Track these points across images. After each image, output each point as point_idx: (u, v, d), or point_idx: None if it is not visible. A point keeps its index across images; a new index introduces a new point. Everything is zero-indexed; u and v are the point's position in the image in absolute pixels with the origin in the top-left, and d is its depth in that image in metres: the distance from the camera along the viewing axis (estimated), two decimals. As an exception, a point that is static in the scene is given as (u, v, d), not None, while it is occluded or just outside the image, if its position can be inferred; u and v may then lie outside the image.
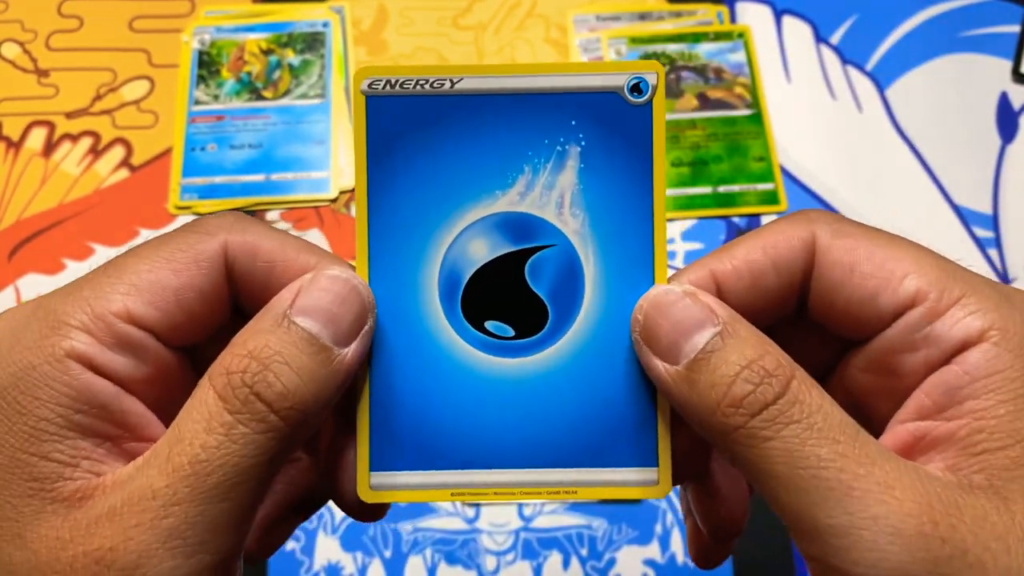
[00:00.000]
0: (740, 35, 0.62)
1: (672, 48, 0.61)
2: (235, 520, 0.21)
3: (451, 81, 0.24)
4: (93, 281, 0.22)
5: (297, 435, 0.22)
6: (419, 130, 0.25)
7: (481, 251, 0.25)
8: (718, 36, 0.62)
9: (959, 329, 0.22)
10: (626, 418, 0.25)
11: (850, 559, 0.19)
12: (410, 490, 0.25)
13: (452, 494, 0.25)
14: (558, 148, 0.25)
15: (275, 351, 0.21)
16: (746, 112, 0.60)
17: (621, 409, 0.25)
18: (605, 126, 0.24)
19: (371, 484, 0.25)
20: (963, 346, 0.22)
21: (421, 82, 0.24)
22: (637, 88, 0.24)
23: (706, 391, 0.21)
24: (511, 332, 0.25)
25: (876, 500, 0.20)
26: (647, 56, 0.61)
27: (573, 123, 0.24)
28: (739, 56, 0.61)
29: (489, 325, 0.25)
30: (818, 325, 0.25)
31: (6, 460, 0.21)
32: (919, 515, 0.19)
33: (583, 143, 0.25)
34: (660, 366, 0.23)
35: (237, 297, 0.24)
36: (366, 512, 0.26)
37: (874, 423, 0.24)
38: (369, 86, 0.24)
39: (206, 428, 0.21)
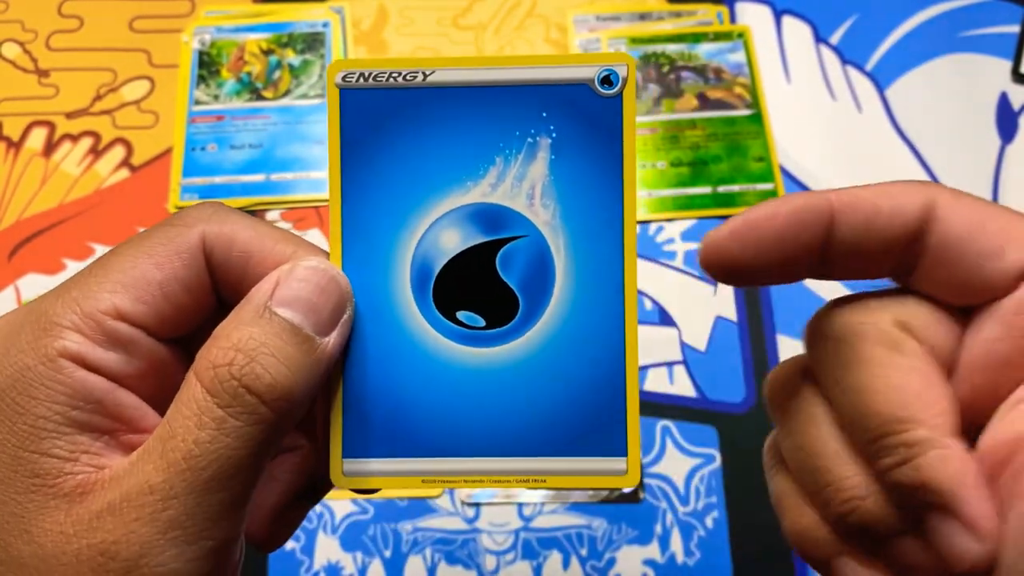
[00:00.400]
0: (740, 35, 0.62)
1: (672, 48, 0.62)
2: (231, 508, 0.21)
3: (423, 73, 0.25)
4: (81, 282, 0.23)
5: (285, 424, 0.22)
6: (392, 122, 0.25)
7: (453, 241, 0.25)
8: (718, 36, 0.62)
9: None
10: (595, 408, 0.25)
11: None
12: (381, 476, 0.25)
13: (423, 481, 0.25)
14: (529, 140, 0.25)
15: (260, 342, 0.22)
16: (746, 112, 0.60)
17: (590, 399, 0.25)
18: (576, 118, 0.25)
19: (344, 470, 0.25)
20: None
21: (394, 75, 0.25)
22: (607, 80, 0.25)
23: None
24: (482, 322, 0.25)
25: None
26: (647, 56, 0.61)
27: (544, 115, 0.25)
28: (739, 56, 0.61)
29: (460, 315, 0.25)
30: (928, 296, 0.23)
31: (8, 459, 0.21)
32: None
33: (554, 135, 0.25)
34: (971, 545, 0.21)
35: (217, 288, 0.25)
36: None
37: (1011, 392, 0.22)
38: (343, 79, 0.25)
39: (198, 423, 0.21)
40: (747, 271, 0.23)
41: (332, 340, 0.23)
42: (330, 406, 0.25)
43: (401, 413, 0.25)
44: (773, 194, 0.57)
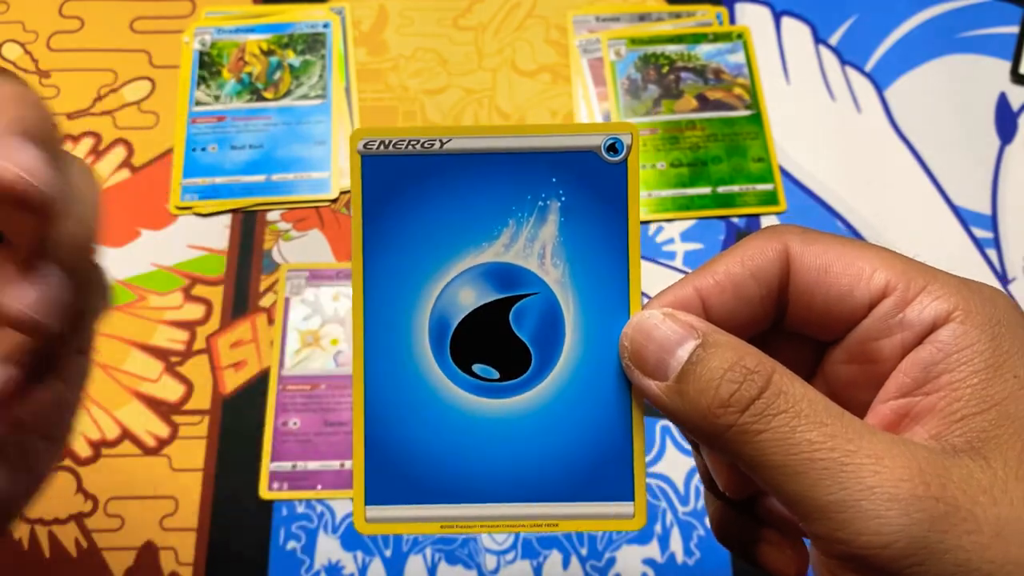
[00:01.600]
0: (739, 36, 0.62)
1: (671, 49, 0.62)
2: None
3: (440, 141, 0.26)
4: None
5: None
6: (411, 186, 0.26)
7: (469, 298, 0.27)
8: (717, 37, 0.62)
9: (928, 312, 0.24)
10: (604, 456, 0.27)
11: (854, 530, 0.21)
12: (403, 523, 0.27)
13: (442, 527, 0.27)
14: (540, 203, 0.26)
15: None
16: (745, 113, 0.60)
17: (599, 447, 0.27)
18: (583, 183, 0.26)
19: (367, 517, 0.27)
20: (933, 327, 0.24)
21: (412, 142, 0.26)
22: (613, 148, 0.26)
23: (696, 398, 0.23)
24: (496, 375, 0.27)
25: (869, 472, 0.21)
26: (646, 57, 0.61)
27: (554, 180, 0.26)
28: (738, 57, 0.61)
29: (476, 368, 0.27)
30: (796, 335, 0.27)
31: None
32: (911, 479, 0.21)
33: (563, 198, 0.26)
34: (651, 384, 0.25)
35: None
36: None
37: (856, 412, 0.25)
38: (364, 146, 0.26)
39: None
40: None
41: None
42: (352, 456, 0.27)
43: (421, 462, 0.27)
44: (772, 194, 0.58)
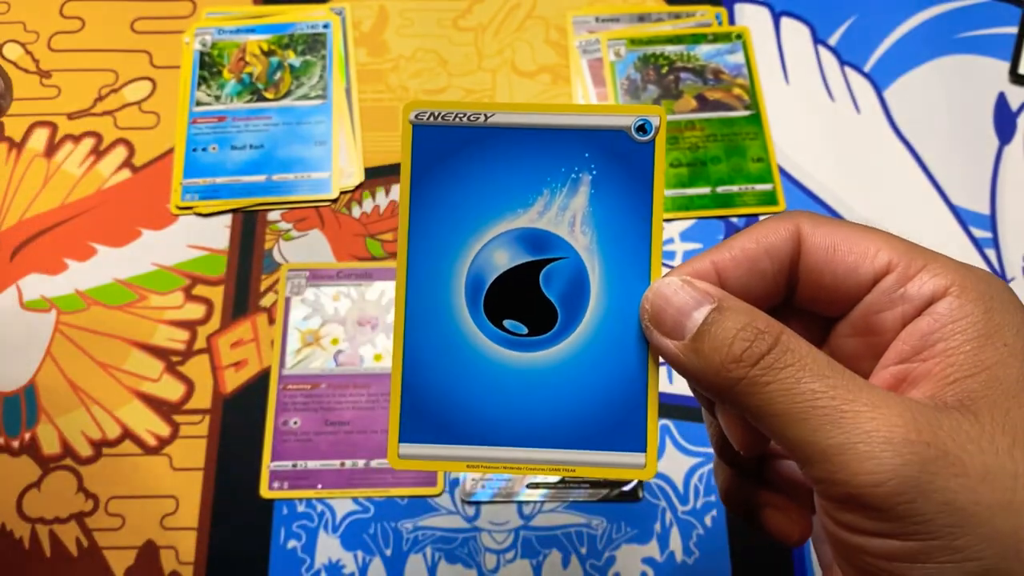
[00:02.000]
0: (739, 36, 0.62)
1: (671, 49, 0.62)
2: None
3: (485, 115, 0.29)
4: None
5: None
6: (456, 155, 0.29)
7: (503, 259, 0.29)
8: (717, 37, 0.62)
9: (927, 287, 0.26)
10: (620, 409, 0.29)
11: (851, 470, 0.23)
12: (432, 460, 0.29)
13: (468, 466, 0.29)
14: (572, 176, 0.29)
15: None
16: (744, 113, 0.60)
17: (616, 401, 0.29)
18: (614, 159, 0.29)
19: (399, 453, 0.29)
20: (931, 300, 0.26)
21: (460, 115, 0.29)
22: (642, 128, 0.28)
23: (710, 355, 0.25)
24: (525, 330, 0.29)
25: (866, 418, 0.23)
26: (646, 58, 0.61)
27: (586, 155, 0.29)
28: (738, 57, 0.62)
29: (507, 323, 0.29)
30: (806, 312, 0.29)
31: None
32: (905, 426, 0.23)
33: (594, 172, 0.29)
34: (669, 344, 0.27)
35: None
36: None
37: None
38: (416, 116, 0.29)
39: None
40: None
41: None
42: (390, 397, 0.29)
43: (451, 406, 0.29)
44: (772, 194, 0.58)
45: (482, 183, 0.29)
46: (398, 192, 0.29)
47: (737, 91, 0.61)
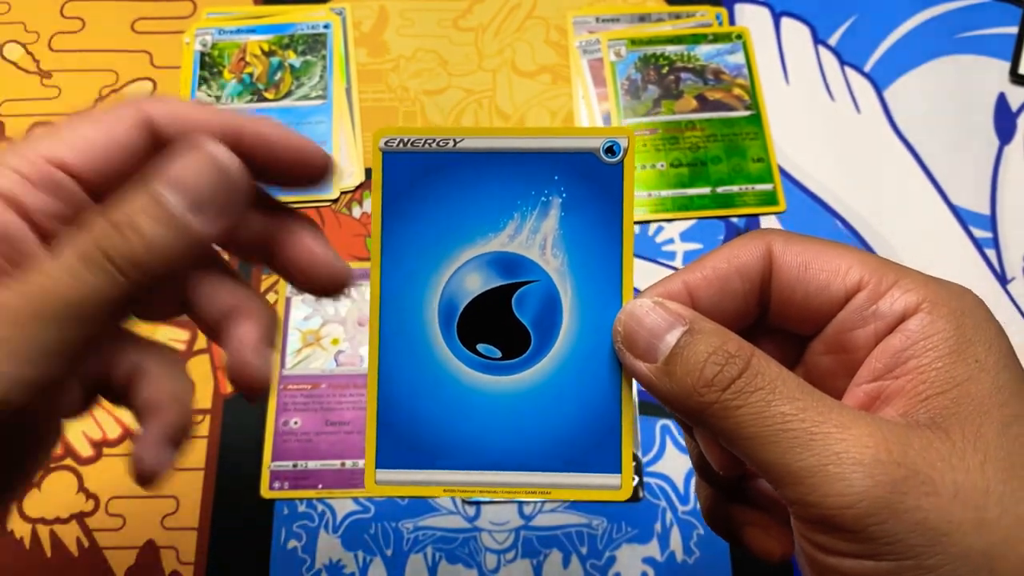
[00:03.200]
0: (739, 36, 0.62)
1: (671, 50, 0.62)
2: (63, 347, 0.24)
3: (454, 140, 0.29)
4: (33, 138, 0.26)
5: (139, 290, 0.24)
6: (426, 180, 0.29)
7: (475, 284, 0.29)
8: (717, 38, 0.62)
9: (898, 304, 0.26)
10: (594, 430, 0.29)
11: (822, 492, 0.23)
12: (408, 485, 0.29)
13: (444, 490, 0.29)
14: (543, 199, 0.29)
15: (129, 219, 0.24)
16: (745, 113, 0.60)
17: (590, 423, 0.29)
18: (583, 181, 0.29)
19: (376, 479, 0.29)
20: (903, 317, 0.26)
21: (429, 141, 0.29)
22: (611, 150, 0.29)
23: (682, 379, 0.25)
24: (499, 353, 0.29)
25: (836, 440, 0.23)
26: (646, 58, 0.61)
27: (556, 178, 0.29)
28: (738, 57, 0.62)
29: (480, 347, 0.29)
30: (779, 332, 0.29)
31: None
32: (875, 446, 0.23)
33: (564, 195, 0.29)
34: (642, 366, 0.27)
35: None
36: (254, 391, 0.28)
37: (834, 398, 0.27)
38: (385, 143, 0.29)
39: (63, 269, 0.23)
40: None
41: (206, 224, 0.25)
42: (365, 423, 0.29)
43: (427, 431, 0.29)
44: (772, 194, 0.58)
45: (453, 208, 0.29)
46: (371, 219, 0.29)
47: (737, 91, 0.61)
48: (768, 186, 0.58)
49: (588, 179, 0.29)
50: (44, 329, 0.23)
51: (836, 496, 0.23)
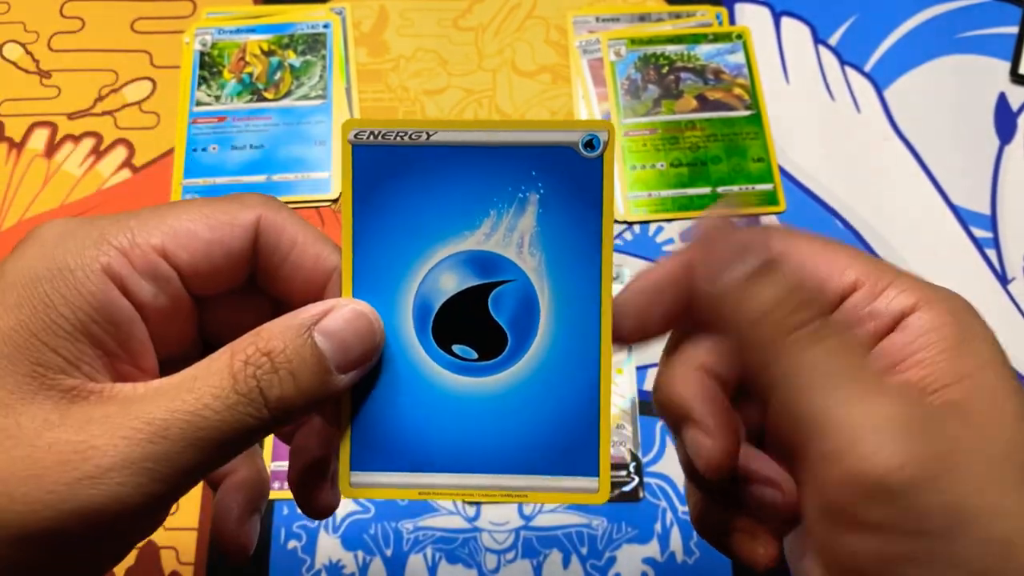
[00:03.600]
0: (739, 36, 0.62)
1: (671, 49, 0.62)
2: (200, 470, 0.25)
3: (427, 133, 0.28)
4: (140, 216, 0.26)
5: (277, 426, 0.26)
6: (398, 175, 0.28)
7: (450, 283, 0.28)
8: (717, 37, 0.62)
9: (896, 303, 0.26)
10: (572, 433, 0.28)
11: (875, 446, 0.23)
12: (384, 488, 0.29)
13: (419, 493, 0.29)
14: (520, 195, 0.28)
15: (287, 359, 0.25)
16: (745, 113, 0.60)
17: (568, 425, 0.28)
18: (561, 176, 0.28)
19: (351, 482, 0.29)
20: (902, 316, 0.26)
21: (400, 134, 0.28)
22: (590, 144, 0.28)
23: (766, 300, 0.25)
24: (475, 355, 0.29)
25: (897, 402, 0.24)
26: (646, 58, 0.61)
27: (533, 173, 0.28)
28: (738, 57, 0.62)
29: (456, 348, 0.29)
30: None
31: (22, 341, 0.24)
32: (922, 420, 0.23)
33: (541, 191, 0.28)
34: (716, 280, 0.26)
35: (256, 266, 0.28)
36: (236, 558, 0.30)
37: None
38: (355, 136, 0.28)
39: (213, 394, 0.24)
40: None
41: (347, 379, 0.26)
42: (340, 425, 0.28)
43: (402, 433, 0.29)
44: (772, 194, 0.58)
45: (427, 204, 0.28)
46: (341, 215, 0.28)
47: (738, 91, 0.61)
48: (768, 186, 0.58)
49: (567, 174, 0.28)
50: (188, 453, 0.24)
51: (888, 454, 0.23)
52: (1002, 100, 0.61)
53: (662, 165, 0.58)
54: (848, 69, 0.62)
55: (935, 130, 0.60)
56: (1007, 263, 0.57)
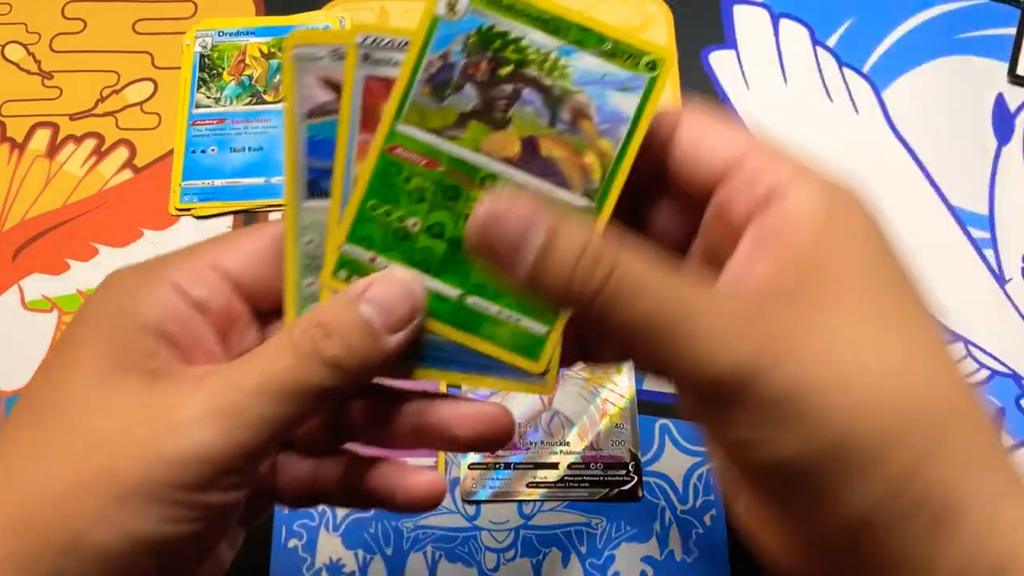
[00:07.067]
0: (652, 65, 0.29)
1: (538, 40, 0.30)
2: (275, 422, 0.27)
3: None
4: (196, 245, 0.31)
5: (339, 388, 0.28)
6: None
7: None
8: (618, 51, 0.29)
9: (772, 178, 0.28)
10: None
11: (696, 370, 0.25)
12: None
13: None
14: None
15: (338, 326, 0.28)
16: (578, 202, 0.30)
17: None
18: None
19: None
20: (775, 192, 0.27)
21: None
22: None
23: (553, 288, 0.26)
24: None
25: (703, 323, 0.25)
26: (488, 36, 0.30)
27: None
28: (627, 103, 0.30)
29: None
30: (680, 194, 0.31)
31: (107, 338, 0.28)
32: (738, 321, 0.25)
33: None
34: (507, 276, 0.28)
35: None
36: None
37: (721, 266, 0.29)
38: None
39: (277, 356, 0.28)
40: None
41: (398, 337, 0.29)
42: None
43: None
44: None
45: None
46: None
47: (589, 159, 0.30)
48: (533, 362, 0.31)
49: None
50: (262, 402, 0.27)
51: (708, 368, 0.24)
52: (1000, 101, 0.61)
53: (415, 223, 0.30)
54: (846, 70, 0.62)
55: (933, 131, 0.60)
56: (1005, 263, 0.57)
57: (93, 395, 0.27)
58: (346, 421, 0.33)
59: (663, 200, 0.31)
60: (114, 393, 0.27)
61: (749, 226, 0.28)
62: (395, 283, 0.29)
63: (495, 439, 0.32)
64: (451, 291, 0.30)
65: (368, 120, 0.30)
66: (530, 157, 0.30)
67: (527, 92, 0.30)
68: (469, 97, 0.30)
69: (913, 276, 0.27)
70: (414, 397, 0.32)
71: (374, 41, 0.28)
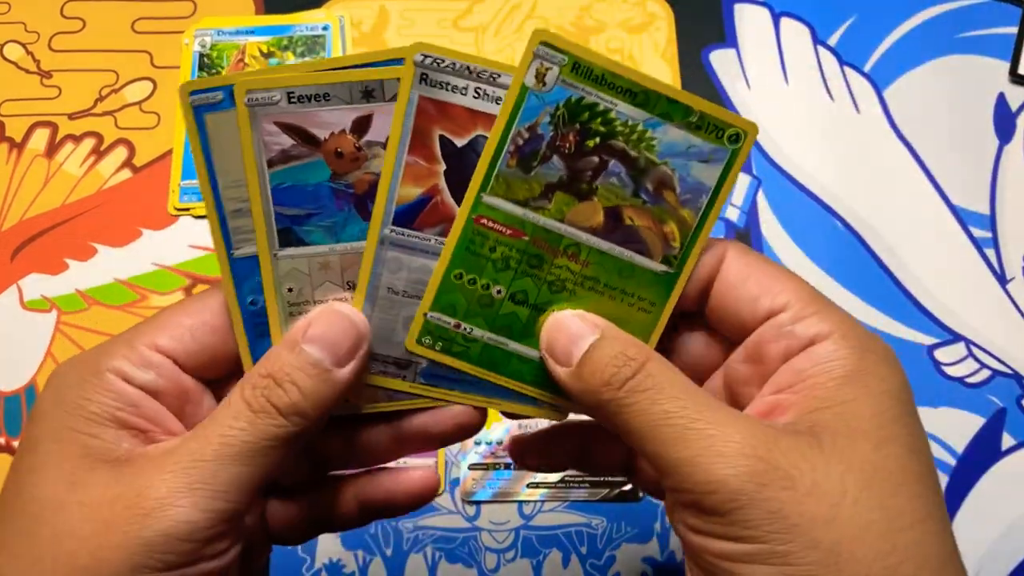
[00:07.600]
0: (735, 138, 0.31)
1: (626, 112, 0.30)
2: (245, 483, 0.28)
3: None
4: (133, 327, 0.31)
5: (302, 433, 0.29)
6: None
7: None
8: (705, 124, 0.30)
9: (811, 327, 0.29)
10: None
11: (693, 480, 0.26)
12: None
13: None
14: None
15: (286, 373, 0.28)
16: (658, 268, 0.31)
17: None
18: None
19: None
20: (813, 341, 0.29)
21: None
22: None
23: (589, 379, 0.29)
24: None
25: (707, 435, 0.26)
26: (578, 108, 0.30)
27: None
28: (709, 174, 0.31)
29: None
30: (712, 331, 0.32)
31: (68, 438, 0.28)
32: (742, 442, 0.26)
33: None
34: (560, 370, 0.30)
35: None
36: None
37: (744, 404, 0.30)
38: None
39: (233, 417, 0.28)
40: None
41: (346, 371, 0.29)
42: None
43: None
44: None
45: None
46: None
47: (670, 227, 0.31)
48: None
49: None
50: (228, 467, 0.27)
51: (704, 483, 0.26)
52: (1001, 100, 0.61)
53: (499, 291, 0.31)
54: (847, 69, 0.62)
55: (934, 130, 0.60)
56: (1006, 263, 0.57)
57: (65, 496, 0.27)
58: (321, 454, 0.34)
59: (695, 330, 0.33)
60: (86, 489, 0.27)
61: (781, 368, 0.29)
62: (336, 316, 0.30)
63: (471, 425, 0.33)
64: (533, 353, 0.31)
65: (417, 142, 0.29)
66: (613, 226, 0.31)
67: (613, 163, 0.30)
68: (555, 168, 0.30)
69: (926, 444, 0.28)
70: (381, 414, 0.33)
71: (433, 61, 0.28)
